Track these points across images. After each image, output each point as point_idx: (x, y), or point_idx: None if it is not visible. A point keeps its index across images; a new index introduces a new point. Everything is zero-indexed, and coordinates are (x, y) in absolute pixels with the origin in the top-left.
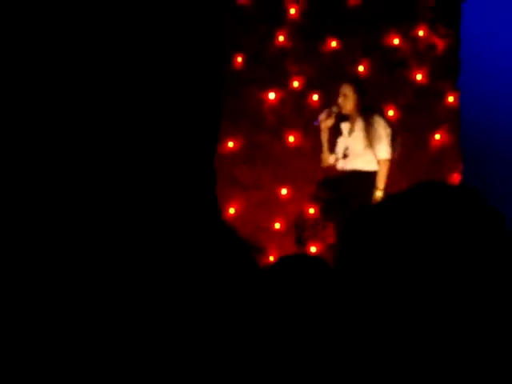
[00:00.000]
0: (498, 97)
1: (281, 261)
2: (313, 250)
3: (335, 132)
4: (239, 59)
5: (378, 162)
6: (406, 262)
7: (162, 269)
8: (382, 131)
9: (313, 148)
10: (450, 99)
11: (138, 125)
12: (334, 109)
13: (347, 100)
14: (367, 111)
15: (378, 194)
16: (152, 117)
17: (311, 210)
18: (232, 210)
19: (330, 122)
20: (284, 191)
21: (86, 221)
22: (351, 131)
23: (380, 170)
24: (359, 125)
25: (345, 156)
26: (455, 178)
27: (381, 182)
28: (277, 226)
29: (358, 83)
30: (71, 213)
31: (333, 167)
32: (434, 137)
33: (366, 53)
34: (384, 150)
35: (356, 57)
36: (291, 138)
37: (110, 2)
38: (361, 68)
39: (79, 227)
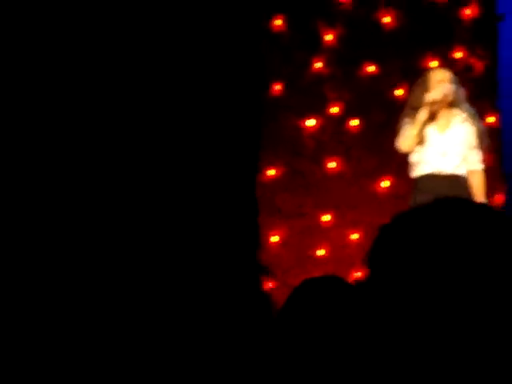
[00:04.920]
0: None
1: (304, 283)
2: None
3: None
4: (277, 87)
5: (472, 171)
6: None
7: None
8: (478, 135)
9: (354, 173)
10: (491, 120)
11: (177, 154)
12: (446, 93)
13: (451, 89)
14: (466, 107)
15: None
16: (192, 148)
17: (354, 236)
18: (275, 238)
19: (437, 106)
20: (326, 218)
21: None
22: (445, 127)
23: (478, 181)
24: (459, 122)
25: (439, 157)
26: (498, 198)
27: (482, 194)
28: (320, 252)
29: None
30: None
31: (406, 155)
32: None
33: (405, 76)
34: (480, 159)
35: (394, 80)
36: (332, 164)
37: (141, 31)
38: (400, 91)
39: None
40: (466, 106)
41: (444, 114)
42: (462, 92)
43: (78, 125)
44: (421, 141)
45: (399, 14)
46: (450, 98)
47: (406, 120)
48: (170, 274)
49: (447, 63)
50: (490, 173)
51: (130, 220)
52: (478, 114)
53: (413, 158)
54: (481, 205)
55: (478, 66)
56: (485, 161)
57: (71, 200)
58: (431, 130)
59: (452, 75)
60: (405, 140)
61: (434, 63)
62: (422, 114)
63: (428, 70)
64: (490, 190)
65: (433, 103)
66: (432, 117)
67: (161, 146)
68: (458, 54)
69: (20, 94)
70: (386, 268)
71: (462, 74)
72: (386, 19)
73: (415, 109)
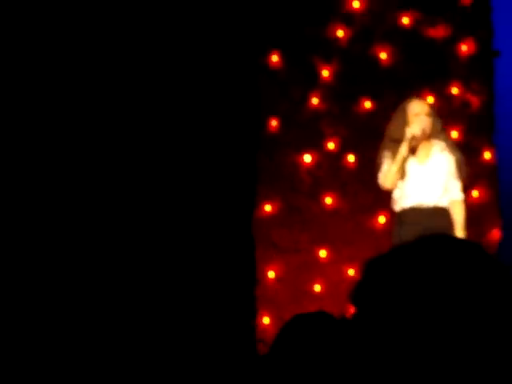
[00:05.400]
0: None
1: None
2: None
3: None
4: (274, 123)
5: (453, 201)
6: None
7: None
8: (457, 165)
9: (350, 209)
10: (487, 155)
11: (174, 190)
12: (424, 127)
13: (429, 121)
14: (444, 137)
15: None
16: (190, 182)
17: (351, 272)
18: (272, 274)
19: (416, 141)
20: (323, 253)
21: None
22: (425, 158)
23: (459, 211)
24: (437, 152)
25: (421, 188)
26: (495, 234)
27: (463, 225)
28: (317, 288)
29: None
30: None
31: (388, 192)
32: (471, 193)
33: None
34: (460, 188)
35: (390, 116)
36: (328, 200)
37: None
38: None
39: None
40: (444, 136)
41: (423, 146)
42: (440, 123)
43: (68, 126)
44: (402, 175)
45: (395, 50)
46: (428, 132)
47: (386, 154)
48: (165, 305)
49: (444, 99)
50: (486, 208)
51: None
52: (474, 149)
53: (395, 194)
54: (463, 242)
55: (475, 101)
56: (480, 195)
57: (61, 202)
58: (411, 163)
59: (429, 106)
60: (387, 178)
61: (431, 99)
62: (403, 150)
63: (405, 101)
64: (486, 225)
65: (412, 138)
66: (412, 151)
67: (158, 182)
68: (455, 90)
69: (20, 94)
70: (370, 306)
71: (458, 109)
72: (383, 55)
73: (394, 141)
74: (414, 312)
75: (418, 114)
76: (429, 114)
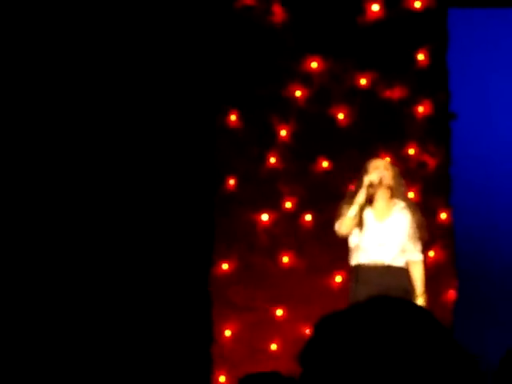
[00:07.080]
0: (491, 211)
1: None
2: None
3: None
4: (231, 181)
5: (412, 262)
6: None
7: None
8: (417, 226)
9: (307, 268)
10: (443, 216)
11: (132, 246)
12: (382, 177)
13: (388, 175)
14: (405, 198)
15: (422, 301)
16: (147, 241)
17: (307, 331)
18: (228, 332)
19: (374, 189)
20: (279, 312)
21: None
22: (385, 216)
23: (418, 271)
24: (398, 211)
25: (377, 246)
26: (450, 294)
27: (422, 285)
28: (273, 347)
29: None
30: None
31: (345, 252)
32: (428, 254)
33: (358, 172)
34: (419, 249)
35: (348, 176)
36: (285, 259)
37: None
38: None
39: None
40: (405, 196)
41: (384, 203)
42: (402, 185)
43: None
44: (359, 225)
45: (353, 110)
46: (387, 183)
47: (345, 206)
48: (122, 362)
49: (400, 160)
50: (442, 269)
51: None
52: (431, 210)
53: (351, 243)
54: (412, 308)
55: (431, 162)
56: (436, 255)
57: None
58: (370, 217)
59: (390, 164)
60: (342, 223)
61: (388, 159)
62: (360, 196)
63: (368, 160)
64: (442, 286)
65: (370, 186)
66: (370, 200)
67: (117, 240)
68: (411, 151)
69: (18, 94)
70: (316, 368)
71: (414, 170)
72: (340, 115)
73: (354, 195)
74: (355, 375)
75: (378, 167)
76: (389, 169)
